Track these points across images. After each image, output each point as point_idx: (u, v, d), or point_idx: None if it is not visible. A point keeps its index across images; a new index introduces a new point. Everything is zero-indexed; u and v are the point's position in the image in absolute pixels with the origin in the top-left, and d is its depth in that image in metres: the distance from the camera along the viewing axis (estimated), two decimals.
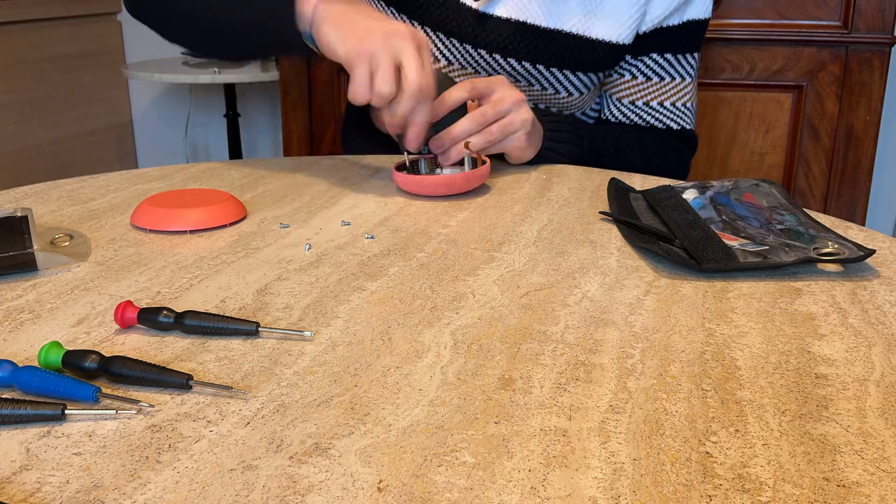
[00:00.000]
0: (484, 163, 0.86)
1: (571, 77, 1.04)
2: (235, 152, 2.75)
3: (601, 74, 1.06)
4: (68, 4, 2.73)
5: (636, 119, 1.09)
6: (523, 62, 1.02)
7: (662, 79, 1.06)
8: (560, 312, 0.56)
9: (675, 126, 1.09)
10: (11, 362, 0.46)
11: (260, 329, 0.52)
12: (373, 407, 0.44)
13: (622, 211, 0.77)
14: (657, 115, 1.08)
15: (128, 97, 3.07)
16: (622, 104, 1.09)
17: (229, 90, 2.69)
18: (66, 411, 0.43)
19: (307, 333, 0.52)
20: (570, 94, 1.06)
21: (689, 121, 1.10)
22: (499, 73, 1.03)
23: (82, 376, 0.47)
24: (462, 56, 1.03)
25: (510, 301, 0.58)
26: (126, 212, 0.79)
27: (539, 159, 0.96)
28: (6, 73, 2.55)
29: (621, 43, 1.03)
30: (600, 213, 0.77)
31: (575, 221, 0.76)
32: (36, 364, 0.48)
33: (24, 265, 0.63)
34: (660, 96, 1.07)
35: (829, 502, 0.37)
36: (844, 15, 1.67)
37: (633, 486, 0.38)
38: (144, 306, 0.55)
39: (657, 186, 0.81)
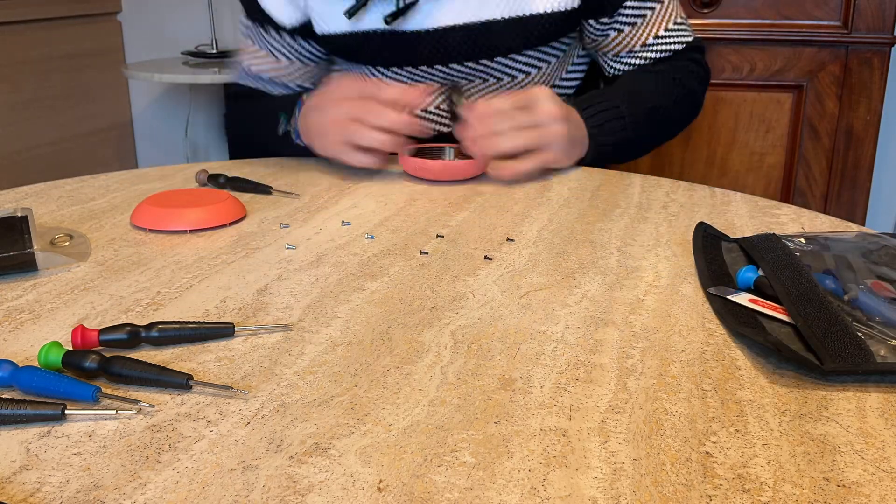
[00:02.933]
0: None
1: (520, 58, 1.03)
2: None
3: (563, 41, 1.05)
4: (68, 4, 2.73)
5: (640, 62, 1.07)
6: (465, 63, 1.02)
7: (644, 16, 1.03)
8: (560, 312, 0.56)
9: (678, 46, 1.06)
10: (11, 362, 0.46)
11: (236, 329, 0.52)
12: (373, 407, 0.44)
13: (711, 265, 0.62)
14: (657, 47, 1.06)
15: (128, 97, 3.07)
16: (620, 58, 1.07)
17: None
18: (66, 411, 0.43)
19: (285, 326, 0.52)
20: (528, 74, 1.05)
21: (686, 33, 1.07)
22: (451, 79, 1.05)
23: (82, 376, 0.47)
24: (407, 78, 1.05)
25: (510, 301, 0.58)
26: (126, 212, 0.79)
27: (595, 160, 0.96)
28: (6, 73, 2.55)
29: (567, 9, 1.00)
30: (709, 290, 0.58)
31: (575, 221, 0.76)
32: (36, 364, 0.48)
33: (24, 265, 0.63)
34: (651, 32, 1.04)
35: (829, 502, 0.37)
36: (844, 15, 1.67)
37: (633, 486, 0.38)
38: (111, 324, 0.55)
39: (758, 235, 0.65)
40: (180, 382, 0.46)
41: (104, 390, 0.45)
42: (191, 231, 0.73)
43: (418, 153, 0.92)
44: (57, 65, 2.73)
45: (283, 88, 1.12)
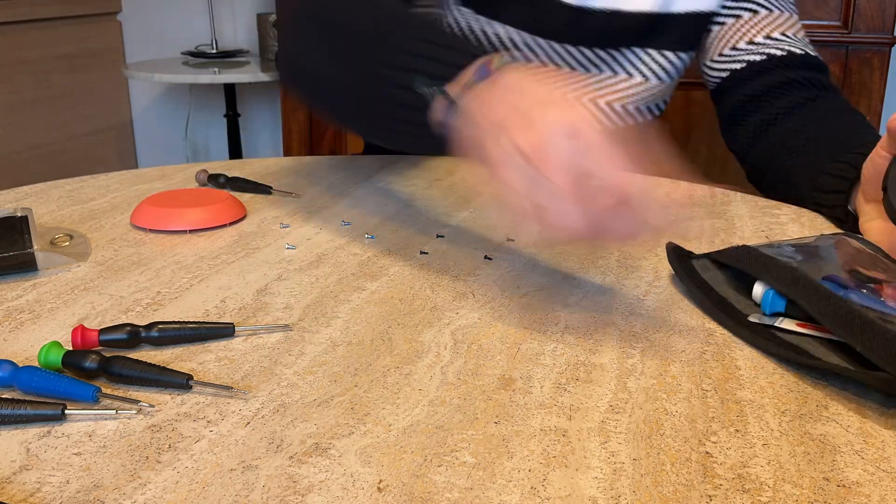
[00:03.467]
0: None
1: (658, 58, 0.96)
2: (235, 152, 2.75)
3: (687, 55, 0.98)
4: (68, 4, 2.73)
5: (751, 58, 0.93)
6: (595, 49, 0.94)
7: (771, 11, 0.94)
8: (560, 312, 0.56)
9: (798, 51, 0.92)
10: (11, 362, 0.46)
11: (236, 329, 0.52)
12: (373, 407, 0.44)
13: (692, 284, 0.59)
14: (773, 45, 0.93)
15: (128, 97, 3.07)
16: (727, 52, 0.95)
17: (229, 90, 2.69)
18: (66, 411, 0.43)
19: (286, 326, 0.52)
20: (661, 80, 0.98)
21: (811, 48, 0.95)
22: (584, 67, 0.94)
23: (82, 376, 0.47)
24: (549, 55, 0.95)
25: (510, 301, 0.58)
26: (126, 212, 0.79)
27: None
28: (6, 73, 2.55)
29: (708, 10, 0.94)
30: (748, 319, 0.54)
31: None
32: (36, 364, 0.48)
33: (24, 265, 0.63)
34: (769, 28, 0.93)
35: (829, 502, 0.37)
36: (844, 15, 1.67)
37: (633, 486, 0.38)
38: (112, 324, 0.55)
39: (727, 248, 0.60)
40: (180, 382, 0.46)
41: (104, 390, 0.45)
42: (191, 231, 0.73)
43: None
44: (57, 65, 2.73)
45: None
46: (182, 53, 2.82)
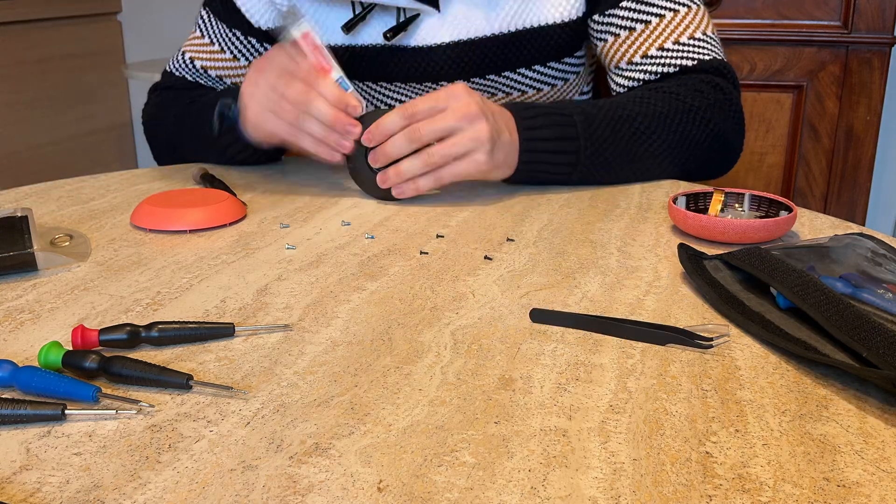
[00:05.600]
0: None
1: (530, 73, 0.97)
2: None
3: (577, 57, 0.99)
4: (68, 4, 2.73)
5: (640, 76, 0.91)
6: (472, 79, 0.96)
7: (647, 22, 0.91)
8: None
9: (688, 62, 0.89)
10: (11, 362, 0.46)
11: (236, 329, 0.52)
12: (373, 407, 0.44)
13: (702, 281, 0.60)
14: (660, 60, 0.90)
15: (128, 97, 3.07)
16: (620, 69, 0.93)
17: None
18: (66, 411, 0.43)
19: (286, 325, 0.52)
20: (540, 91, 0.99)
21: (706, 51, 0.90)
22: None
23: (82, 376, 0.47)
24: (408, 94, 0.99)
25: (510, 301, 0.58)
26: (126, 212, 0.79)
27: (528, 177, 0.84)
28: (6, 73, 2.55)
29: (571, 19, 0.93)
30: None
31: (575, 221, 0.76)
32: (36, 364, 0.48)
33: (24, 265, 0.63)
34: (654, 43, 0.90)
35: (829, 502, 0.37)
36: (844, 15, 1.67)
37: (633, 486, 0.38)
38: (112, 323, 0.54)
39: (739, 250, 0.60)
40: (180, 382, 0.46)
41: (104, 390, 0.45)
42: (191, 231, 0.73)
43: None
44: (57, 65, 2.73)
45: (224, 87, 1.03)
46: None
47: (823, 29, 1.69)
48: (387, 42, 0.94)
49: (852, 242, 0.62)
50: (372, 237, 0.72)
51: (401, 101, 1.00)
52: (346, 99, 0.78)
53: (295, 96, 0.79)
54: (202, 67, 1.02)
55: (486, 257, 0.67)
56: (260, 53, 1.00)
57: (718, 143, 0.89)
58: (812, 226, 0.75)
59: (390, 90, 1.00)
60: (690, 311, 0.57)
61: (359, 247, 0.69)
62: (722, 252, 0.62)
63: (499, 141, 0.78)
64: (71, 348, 0.50)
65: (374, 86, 1.00)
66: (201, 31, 1.02)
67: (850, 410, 0.44)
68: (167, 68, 1.05)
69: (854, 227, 0.73)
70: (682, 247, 0.63)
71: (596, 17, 0.94)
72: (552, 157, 0.82)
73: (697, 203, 0.75)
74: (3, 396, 0.44)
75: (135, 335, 0.50)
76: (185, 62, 1.03)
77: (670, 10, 0.91)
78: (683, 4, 0.91)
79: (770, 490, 0.38)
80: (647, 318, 0.55)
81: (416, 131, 0.77)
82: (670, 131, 0.86)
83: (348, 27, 0.93)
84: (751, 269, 0.57)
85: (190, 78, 1.04)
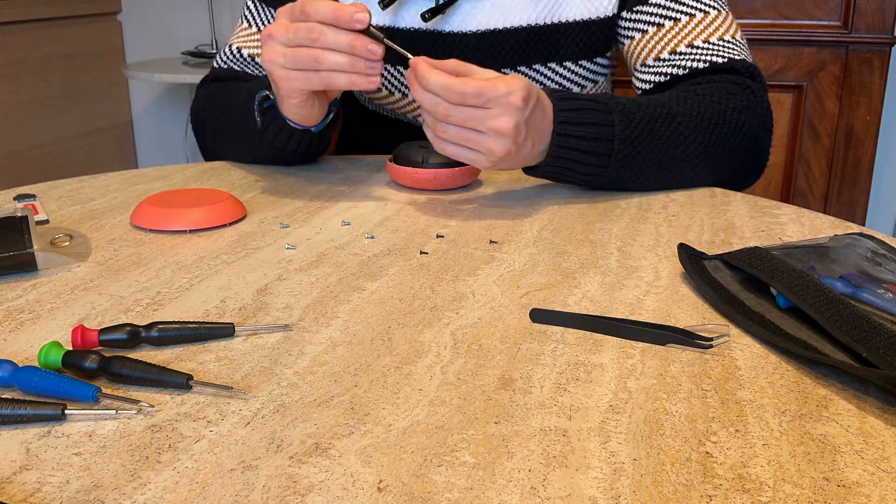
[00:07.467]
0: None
1: (561, 70, 0.97)
2: None
3: (602, 59, 0.98)
4: (68, 4, 2.73)
5: (669, 70, 0.90)
6: (503, 70, 0.94)
7: (677, 21, 0.90)
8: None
9: (719, 59, 0.88)
10: (11, 362, 0.46)
11: (236, 329, 0.52)
12: (373, 407, 0.44)
13: (702, 281, 0.60)
14: (690, 56, 0.89)
15: (128, 97, 3.07)
16: (647, 66, 0.92)
17: None
18: (66, 411, 0.43)
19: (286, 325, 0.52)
20: (576, 89, 0.98)
21: (736, 52, 0.90)
22: None
23: (82, 376, 0.47)
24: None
25: (510, 301, 0.58)
26: (126, 212, 0.79)
27: (550, 176, 0.82)
28: (6, 73, 2.55)
29: (606, 16, 0.93)
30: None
31: (575, 221, 0.76)
32: (36, 364, 0.48)
33: (24, 265, 0.63)
34: (683, 40, 0.90)
35: (829, 502, 0.37)
36: (844, 15, 1.67)
37: (633, 486, 0.38)
38: (112, 323, 0.54)
39: (739, 250, 0.61)
40: (180, 382, 0.46)
41: (104, 390, 0.45)
42: (191, 231, 0.73)
43: (401, 154, 0.86)
44: (57, 65, 2.73)
45: None
46: (182, 53, 2.82)
47: (823, 29, 1.69)
48: (424, 26, 0.94)
49: (852, 242, 0.62)
50: (372, 237, 0.72)
51: None
52: (347, 11, 0.72)
53: (304, 38, 0.73)
54: (249, 56, 1.00)
55: (486, 257, 0.67)
56: None
57: (752, 148, 0.87)
58: (812, 226, 0.75)
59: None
60: (690, 311, 0.57)
61: (359, 247, 0.69)
62: (722, 252, 0.62)
63: (515, 155, 0.75)
64: (71, 348, 0.50)
65: (406, 71, 0.96)
66: (248, 21, 1.01)
67: (850, 410, 0.44)
68: (214, 64, 1.04)
69: (854, 227, 0.73)
70: (682, 247, 0.63)
71: (625, 13, 0.94)
72: (582, 157, 0.79)
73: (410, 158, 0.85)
74: (3, 396, 0.44)
75: (135, 335, 0.50)
76: (231, 53, 1.01)
77: (701, 10, 0.91)
78: (714, 8, 0.91)
79: (770, 490, 0.38)
80: (647, 318, 0.55)
81: (444, 111, 0.72)
82: (707, 133, 0.83)
83: (385, 3, 0.93)
84: (751, 269, 0.57)
85: (237, 67, 1.01)
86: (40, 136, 2.71)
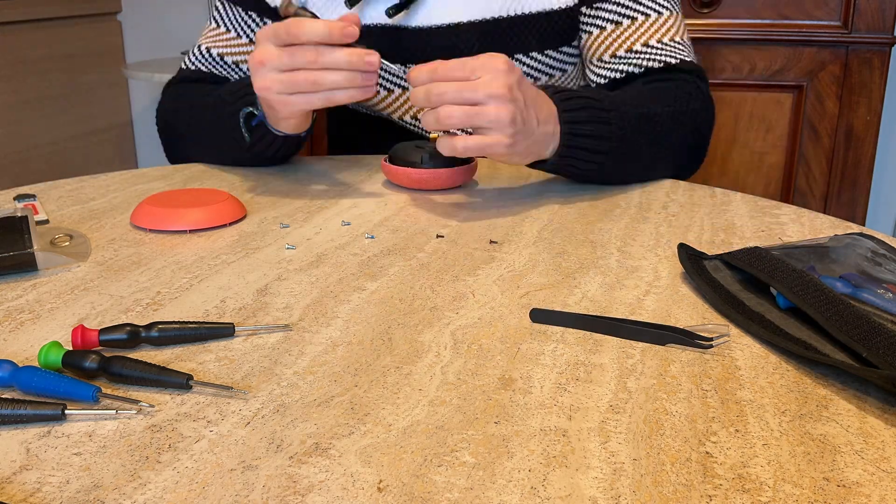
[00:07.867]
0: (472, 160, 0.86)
1: (528, 60, 0.97)
2: None
3: (569, 48, 1.00)
4: (68, 4, 2.73)
5: (626, 68, 0.94)
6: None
7: (634, 19, 0.95)
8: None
9: (672, 60, 0.94)
10: (11, 362, 0.46)
11: (236, 329, 0.52)
12: (373, 407, 0.44)
13: (702, 281, 0.60)
14: (646, 55, 0.94)
15: (128, 97, 3.07)
16: (603, 62, 0.96)
17: None
18: (66, 411, 0.43)
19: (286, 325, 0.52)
20: (537, 80, 1.00)
21: (685, 53, 0.95)
22: None
23: (82, 376, 0.47)
24: (401, 78, 0.98)
25: (510, 301, 0.58)
26: (126, 212, 0.79)
27: (557, 170, 0.83)
28: (6, 73, 2.55)
29: (568, 6, 0.96)
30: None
31: (575, 221, 0.76)
32: (36, 364, 0.48)
33: (24, 265, 0.63)
34: (640, 39, 0.94)
35: (829, 502, 0.37)
36: (844, 15, 1.67)
37: (633, 486, 0.38)
38: (113, 323, 0.54)
39: (739, 250, 0.61)
40: (180, 382, 0.46)
41: (104, 390, 0.45)
42: (191, 231, 0.73)
43: (397, 154, 0.86)
44: (57, 65, 2.73)
45: (244, 75, 1.01)
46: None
47: (823, 29, 1.69)
48: (388, 22, 0.96)
49: (852, 242, 0.62)
50: (372, 237, 0.72)
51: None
52: (338, 26, 0.74)
53: (300, 62, 0.75)
54: (219, 55, 1.02)
55: (485, 257, 0.67)
56: None
57: (702, 145, 0.95)
58: (812, 226, 0.75)
59: (392, 73, 0.98)
60: (690, 311, 0.57)
61: (359, 247, 0.69)
62: (722, 252, 0.62)
63: (524, 128, 0.74)
64: (71, 348, 0.50)
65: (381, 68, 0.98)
66: (216, 21, 1.03)
67: (850, 410, 0.44)
68: (182, 65, 1.05)
69: (854, 227, 0.73)
70: (682, 247, 0.63)
71: (584, 9, 0.97)
72: (587, 156, 0.81)
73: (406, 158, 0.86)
74: (3, 396, 0.44)
75: (135, 335, 0.50)
76: (200, 53, 1.03)
77: (654, 10, 0.96)
78: (666, 8, 0.96)
79: (770, 490, 0.38)
80: (647, 318, 0.55)
81: (437, 90, 0.73)
82: (675, 131, 0.89)
83: (351, 2, 0.94)
84: (751, 269, 0.58)
85: (205, 68, 1.02)
86: (40, 136, 2.71)
